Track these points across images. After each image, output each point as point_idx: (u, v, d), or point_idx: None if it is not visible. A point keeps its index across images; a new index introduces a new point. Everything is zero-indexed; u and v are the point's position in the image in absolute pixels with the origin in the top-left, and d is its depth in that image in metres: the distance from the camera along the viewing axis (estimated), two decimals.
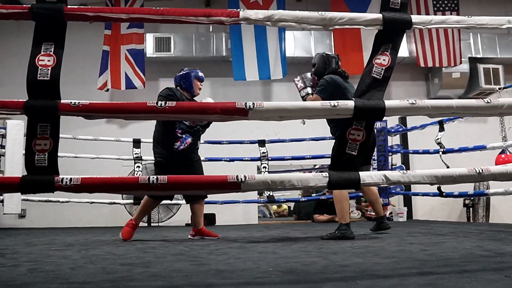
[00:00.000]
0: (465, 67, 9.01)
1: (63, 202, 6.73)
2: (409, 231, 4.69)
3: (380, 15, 1.98)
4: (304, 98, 4.40)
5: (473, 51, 9.12)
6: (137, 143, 6.77)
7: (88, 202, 6.74)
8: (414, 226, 5.62)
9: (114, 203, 6.76)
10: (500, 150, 6.37)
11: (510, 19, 2.15)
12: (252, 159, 7.06)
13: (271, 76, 8.27)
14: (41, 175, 1.76)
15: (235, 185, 1.76)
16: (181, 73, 4.62)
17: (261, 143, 7.11)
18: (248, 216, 8.13)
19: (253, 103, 1.79)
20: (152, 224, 7.17)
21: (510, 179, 2.04)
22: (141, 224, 7.15)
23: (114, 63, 8.06)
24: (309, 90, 4.39)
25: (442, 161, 5.71)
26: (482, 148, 5.49)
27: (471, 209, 8.46)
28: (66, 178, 1.75)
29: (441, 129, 6.11)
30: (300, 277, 2.06)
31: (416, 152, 7.00)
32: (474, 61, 9.11)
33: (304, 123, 8.30)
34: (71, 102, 1.76)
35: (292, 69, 8.62)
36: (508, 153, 6.75)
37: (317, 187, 1.83)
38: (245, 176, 1.77)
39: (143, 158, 6.71)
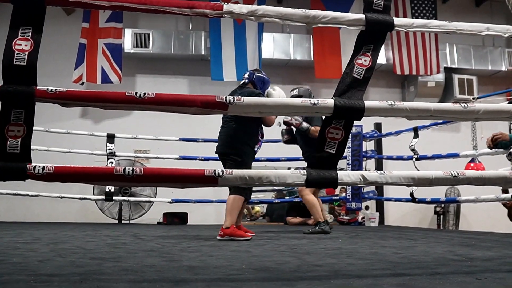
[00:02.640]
0: (440, 76, 9.16)
1: (32, 196, 6.61)
2: (381, 235, 4.72)
3: (363, 16, 1.98)
4: (306, 132, 4.96)
5: (449, 62, 9.29)
6: (111, 138, 6.68)
7: (58, 197, 6.62)
8: (386, 231, 5.66)
9: (85, 198, 6.64)
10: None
11: (489, 26, 2.18)
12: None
13: None
14: (12, 162, 1.71)
15: (212, 180, 1.74)
16: (263, 75, 4.61)
17: None
18: (220, 216, 8.04)
19: (233, 98, 1.78)
20: (122, 222, 7.08)
21: (484, 184, 2.06)
22: (111, 220, 7.11)
23: (90, 56, 7.95)
24: (305, 124, 4.91)
25: (415, 167, 5.77)
26: (455, 155, 5.56)
27: (441, 216, 8.58)
28: (39, 166, 1.70)
29: (416, 136, 6.18)
30: (274, 275, 2.05)
31: (390, 158, 7.06)
32: (449, 71, 9.28)
33: (280, 125, 8.32)
34: (47, 89, 1.72)
35: (270, 70, 8.59)
36: (477, 161, 6.88)
37: (295, 185, 1.82)
38: (222, 171, 1.75)
39: (116, 153, 6.62)
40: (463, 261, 2.57)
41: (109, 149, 6.60)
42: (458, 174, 2.01)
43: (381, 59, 8.77)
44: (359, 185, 1.91)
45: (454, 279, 1.93)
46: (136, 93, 1.70)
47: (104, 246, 3.24)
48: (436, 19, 9.03)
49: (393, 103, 1.95)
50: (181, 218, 7.11)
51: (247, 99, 1.80)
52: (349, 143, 7.26)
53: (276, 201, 7.88)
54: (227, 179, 1.75)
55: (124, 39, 8.18)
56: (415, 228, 7.14)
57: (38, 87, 1.73)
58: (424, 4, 9.09)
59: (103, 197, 6.62)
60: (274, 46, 8.67)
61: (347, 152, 7.28)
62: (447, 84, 9.23)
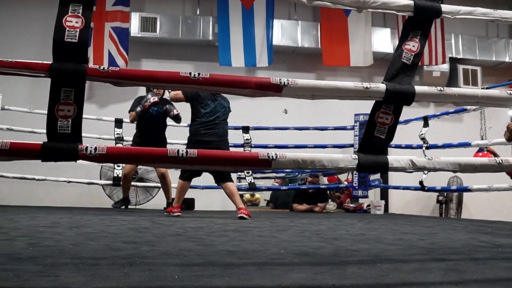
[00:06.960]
0: (445, 66, 9.15)
1: (39, 180, 6.58)
2: (394, 222, 4.73)
3: (411, 2, 1.96)
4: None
5: (454, 52, 9.28)
6: (119, 123, 6.63)
7: (65, 181, 6.59)
8: (395, 218, 5.68)
9: (92, 183, 6.61)
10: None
11: None
12: (235, 145, 7.02)
13: (256, 64, 8.21)
14: (63, 143, 1.68)
15: (266, 163, 1.72)
16: None
17: (245, 129, 7.09)
18: (225, 202, 8.04)
19: (288, 80, 1.76)
20: (129, 207, 7.04)
21: None
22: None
23: (97, 40, 7.86)
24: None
25: (425, 156, 5.77)
26: (466, 145, 5.56)
27: (444, 205, 8.61)
28: (91, 147, 1.67)
29: (426, 125, 6.19)
30: (318, 259, 2.03)
31: (398, 146, 7.04)
32: (454, 62, 9.27)
33: (286, 113, 8.29)
34: (99, 67, 1.69)
35: (276, 57, 8.59)
36: (485, 151, 6.90)
37: (347, 169, 1.81)
38: (276, 154, 1.73)
39: (124, 138, 6.57)
40: (493, 248, 2.58)
41: (117, 133, 6.56)
42: (502, 161, 2.01)
43: (387, 48, 8.76)
44: (408, 170, 1.89)
45: (498, 265, 1.94)
46: (190, 73, 1.68)
47: (127, 230, 3.21)
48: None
49: (442, 88, 1.93)
50: (188, 204, 7.08)
51: (300, 82, 1.78)
52: (357, 131, 7.27)
53: (283, 188, 7.86)
54: (281, 162, 1.73)
55: (131, 23, 8.10)
56: (421, 216, 7.15)
57: (89, 65, 1.70)
58: None
59: (110, 182, 6.58)
60: (282, 32, 8.61)
61: (355, 140, 7.28)
62: (452, 75, 9.22)
